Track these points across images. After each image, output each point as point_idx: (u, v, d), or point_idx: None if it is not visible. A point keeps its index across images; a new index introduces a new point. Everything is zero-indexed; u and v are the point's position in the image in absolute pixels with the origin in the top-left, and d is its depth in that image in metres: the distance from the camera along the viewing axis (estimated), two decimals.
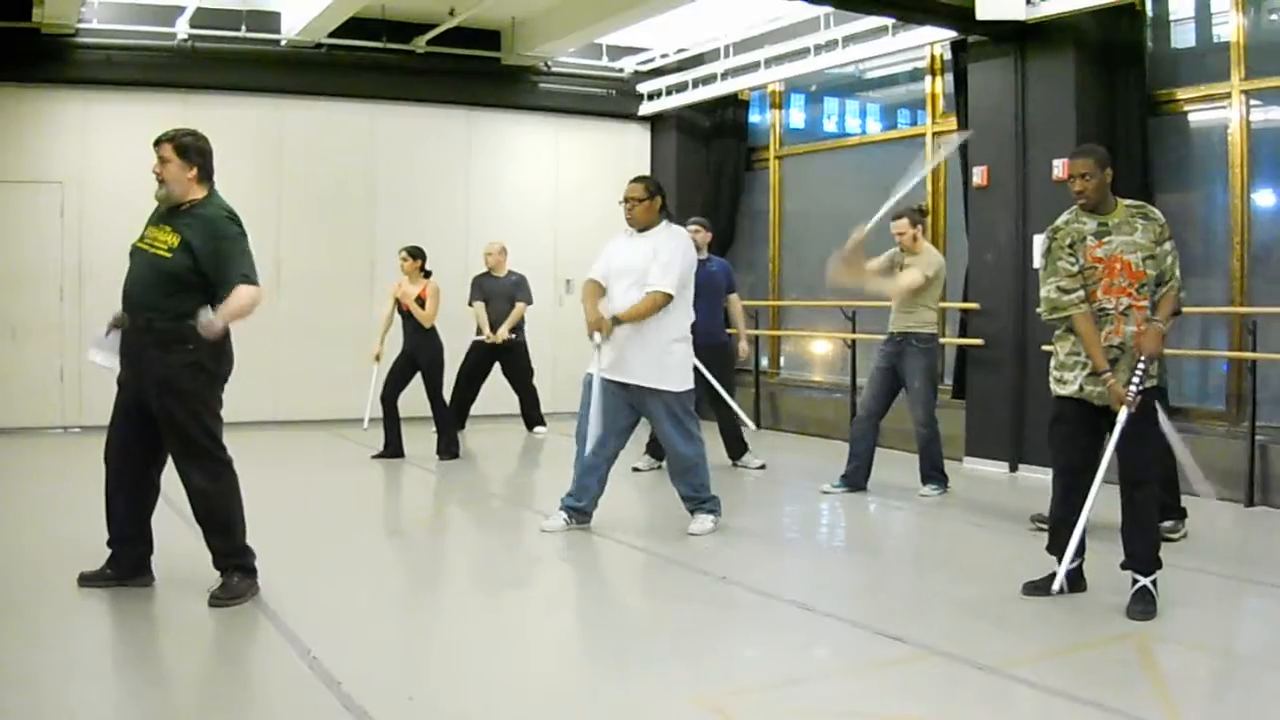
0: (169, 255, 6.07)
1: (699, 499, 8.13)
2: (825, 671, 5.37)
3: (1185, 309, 6.53)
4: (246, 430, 13.46)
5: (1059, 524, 6.33)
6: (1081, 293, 6.19)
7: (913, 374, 9.54)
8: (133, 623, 5.80)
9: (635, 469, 10.23)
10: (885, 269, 9.53)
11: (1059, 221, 6.36)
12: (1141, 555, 6.01)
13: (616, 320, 7.75)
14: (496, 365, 13.28)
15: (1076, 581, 6.37)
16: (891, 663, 5.34)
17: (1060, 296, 6.21)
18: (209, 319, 6.01)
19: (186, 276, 6.05)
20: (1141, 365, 5.97)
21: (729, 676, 5.17)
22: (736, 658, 5.52)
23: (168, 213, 6.24)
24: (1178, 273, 6.17)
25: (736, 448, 11.14)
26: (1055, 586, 6.24)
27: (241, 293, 6.09)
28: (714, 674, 5.17)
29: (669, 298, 7.78)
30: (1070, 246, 6.22)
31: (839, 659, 5.56)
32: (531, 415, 13.60)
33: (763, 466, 11.03)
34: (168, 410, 6.11)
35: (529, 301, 13.18)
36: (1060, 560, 6.27)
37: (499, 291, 13.08)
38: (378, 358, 12.03)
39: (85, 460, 11.23)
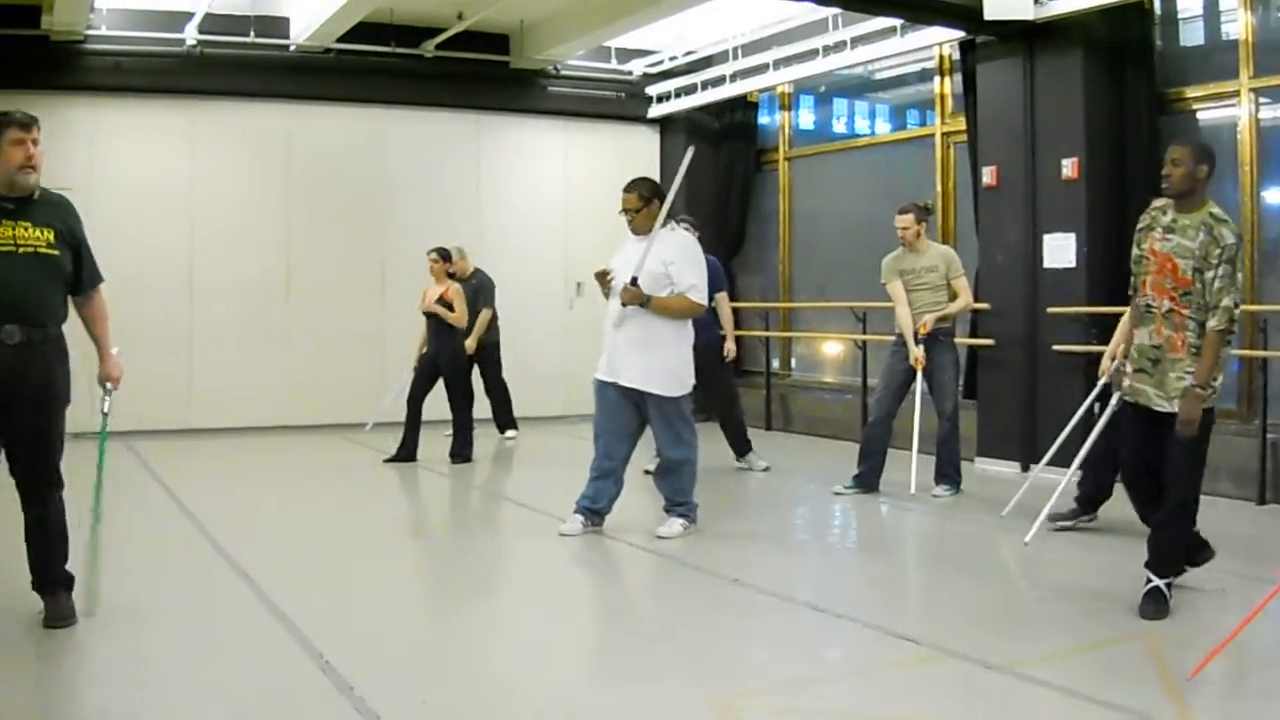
0: (57, 253, 5.65)
1: (675, 502, 8.12)
2: (837, 673, 5.36)
3: None
4: (258, 435, 13.59)
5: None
6: (1134, 280, 6.23)
7: (943, 367, 9.55)
8: (142, 628, 5.81)
9: (647, 471, 10.23)
10: (899, 284, 9.57)
11: (1152, 205, 6.25)
12: (1159, 557, 6.00)
13: (646, 300, 7.72)
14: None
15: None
16: (904, 664, 5.33)
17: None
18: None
19: (68, 273, 5.73)
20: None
21: (741, 678, 5.17)
22: (748, 659, 5.51)
23: (17, 207, 5.55)
24: (1225, 301, 5.77)
25: (741, 447, 11.11)
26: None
27: (104, 299, 6.01)
28: (726, 676, 5.17)
29: (702, 308, 7.94)
30: (1141, 230, 6.17)
31: (851, 660, 5.55)
32: (499, 419, 13.49)
33: (767, 468, 11.02)
34: (48, 425, 5.66)
35: (488, 305, 12.84)
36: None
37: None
38: (415, 366, 11.82)
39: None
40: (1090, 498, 8.14)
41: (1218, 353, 5.84)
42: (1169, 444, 5.98)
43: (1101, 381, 8.29)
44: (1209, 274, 5.81)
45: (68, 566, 5.83)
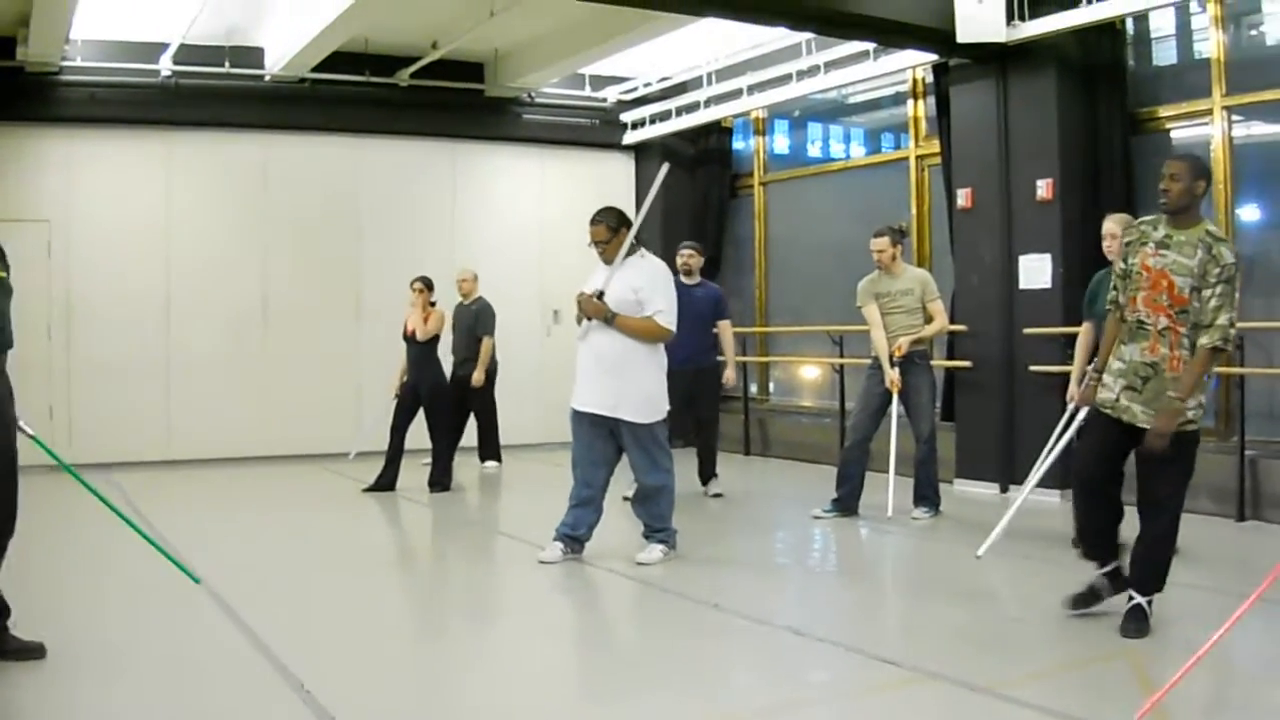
0: (6, 276, 5.54)
1: (654, 528, 8.10)
2: (820, 697, 5.35)
3: None
4: (235, 465, 13.53)
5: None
6: (1115, 294, 6.15)
7: (919, 390, 9.56)
8: (122, 657, 5.76)
9: (626, 498, 10.20)
10: (874, 307, 9.57)
11: (1139, 220, 6.20)
12: (1143, 575, 5.99)
13: (611, 316, 7.72)
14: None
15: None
16: (886, 686, 5.32)
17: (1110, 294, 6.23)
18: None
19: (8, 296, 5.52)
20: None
21: (723, 703, 5.15)
22: (730, 684, 5.50)
23: None
24: (1221, 319, 5.70)
25: (706, 472, 11.15)
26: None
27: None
28: (708, 701, 5.15)
29: (669, 333, 7.85)
30: (1129, 245, 6.08)
31: (833, 684, 5.53)
32: (482, 449, 13.34)
33: (718, 495, 11.01)
34: (14, 451, 5.57)
35: (489, 333, 12.63)
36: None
37: (460, 321, 12.67)
38: (396, 395, 11.76)
39: (74, 499, 11.21)
40: None
41: (1206, 369, 5.82)
42: (1157, 462, 5.93)
43: (1071, 407, 8.35)
44: (1206, 292, 5.74)
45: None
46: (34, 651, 5.57)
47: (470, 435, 13.04)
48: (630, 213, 8.27)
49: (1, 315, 5.57)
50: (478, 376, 12.39)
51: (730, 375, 10.97)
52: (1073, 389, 8.24)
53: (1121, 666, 5.47)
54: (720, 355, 11.03)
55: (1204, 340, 5.74)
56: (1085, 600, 6.35)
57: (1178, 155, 6.14)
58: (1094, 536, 6.30)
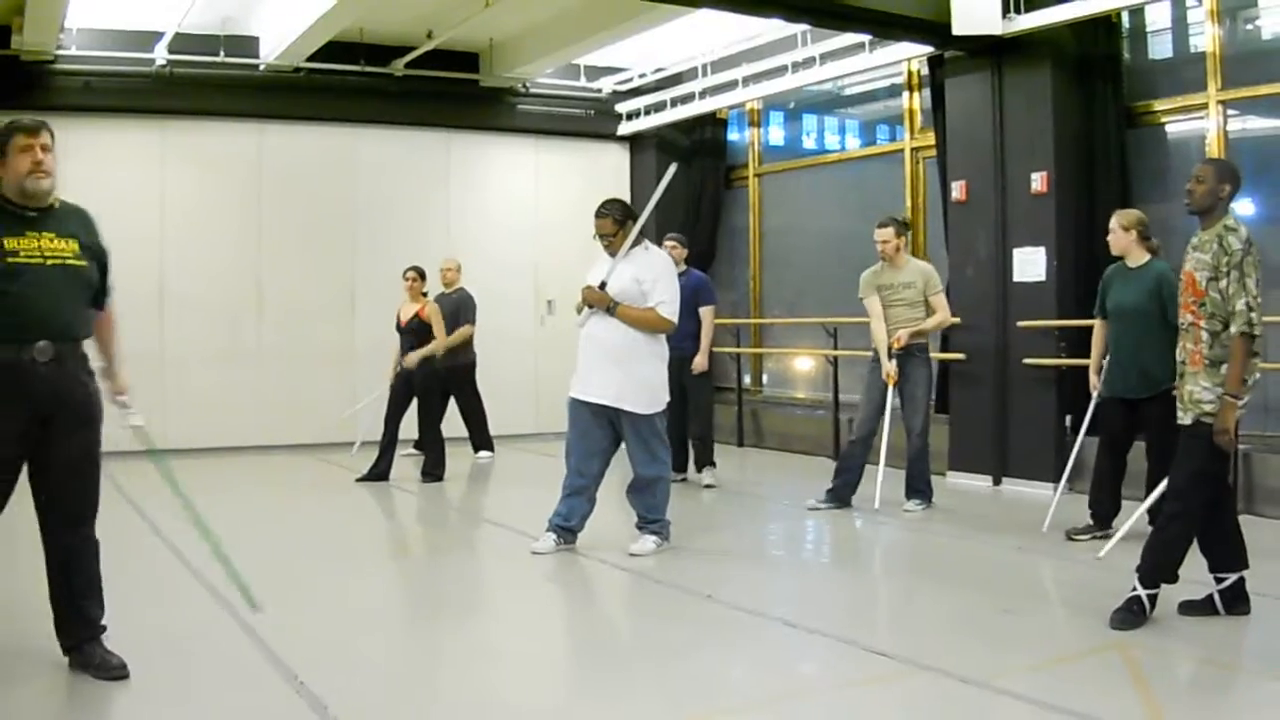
0: (84, 264, 5.41)
1: (648, 519, 8.09)
2: (812, 688, 5.36)
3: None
4: (229, 455, 13.51)
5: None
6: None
7: (917, 383, 9.54)
8: (111, 648, 5.75)
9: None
10: (876, 299, 9.55)
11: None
12: (1148, 564, 5.99)
13: (613, 306, 7.75)
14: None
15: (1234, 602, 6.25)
16: (879, 678, 5.32)
17: None
18: None
19: (95, 285, 5.48)
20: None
21: (716, 695, 5.16)
22: (723, 676, 5.50)
23: (39, 216, 5.41)
24: (1238, 305, 5.74)
25: (700, 459, 11.16)
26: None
27: (115, 316, 5.67)
28: (701, 693, 5.15)
29: (671, 324, 7.87)
30: (1185, 260, 6.17)
31: (826, 676, 5.55)
32: (474, 439, 13.33)
33: (711, 486, 11.02)
34: (94, 447, 5.42)
35: (470, 322, 12.61)
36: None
37: (440, 309, 12.39)
38: (391, 385, 11.77)
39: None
40: (1104, 515, 8.16)
41: (1243, 358, 5.81)
42: (1178, 454, 6.04)
43: (1095, 399, 8.38)
44: (1222, 283, 5.83)
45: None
46: (122, 668, 5.34)
47: (461, 425, 13.03)
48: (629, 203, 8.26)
49: (66, 301, 5.38)
50: (436, 346, 11.71)
51: (699, 361, 10.73)
52: (1093, 379, 8.33)
53: (1115, 659, 5.47)
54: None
55: (1231, 330, 5.80)
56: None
57: (1208, 159, 6.27)
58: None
